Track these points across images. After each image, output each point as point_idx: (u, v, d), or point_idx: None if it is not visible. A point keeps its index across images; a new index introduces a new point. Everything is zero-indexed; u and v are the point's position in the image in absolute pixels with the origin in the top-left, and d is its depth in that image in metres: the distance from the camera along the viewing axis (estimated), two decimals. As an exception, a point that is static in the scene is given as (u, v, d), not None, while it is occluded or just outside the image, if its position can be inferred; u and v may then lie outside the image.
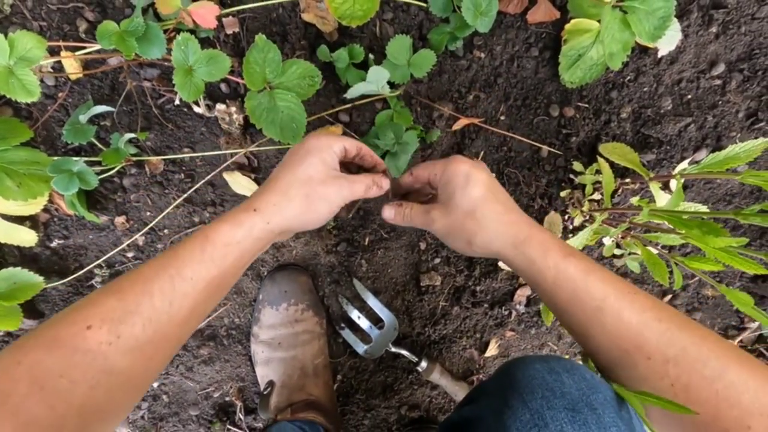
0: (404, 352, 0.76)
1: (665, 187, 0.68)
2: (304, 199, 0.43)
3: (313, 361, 0.72)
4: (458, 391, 0.77)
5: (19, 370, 0.32)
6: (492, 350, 0.79)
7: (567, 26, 0.64)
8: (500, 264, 0.74)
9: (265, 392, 0.67)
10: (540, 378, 0.37)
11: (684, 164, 0.70)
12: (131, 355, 0.35)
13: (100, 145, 0.68)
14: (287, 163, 0.45)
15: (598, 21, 0.64)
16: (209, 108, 0.69)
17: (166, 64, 0.67)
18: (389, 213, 0.50)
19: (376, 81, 0.62)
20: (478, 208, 0.43)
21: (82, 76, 0.68)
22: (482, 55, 0.67)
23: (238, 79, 0.67)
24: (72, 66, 0.66)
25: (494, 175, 0.47)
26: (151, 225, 0.72)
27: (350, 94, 0.63)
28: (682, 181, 0.56)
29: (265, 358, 0.73)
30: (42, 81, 0.67)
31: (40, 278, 0.68)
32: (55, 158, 0.64)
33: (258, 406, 0.66)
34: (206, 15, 0.60)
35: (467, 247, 0.45)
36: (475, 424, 0.42)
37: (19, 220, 0.69)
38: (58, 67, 0.67)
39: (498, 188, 0.45)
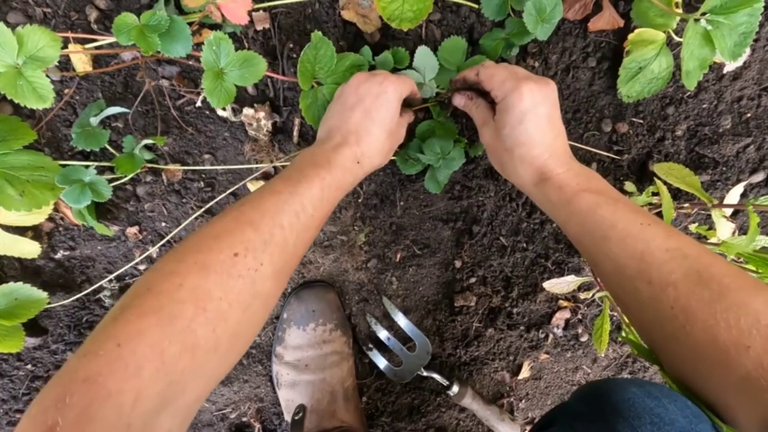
0: (436, 376, 0.72)
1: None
2: (391, 145, 0.52)
3: (342, 384, 0.68)
4: (489, 416, 0.73)
5: (182, 292, 0.32)
6: (524, 373, 0.76)
7: (630, 36, 0.59)
8: (543, 285, 0.70)
9: (296, 417, 0.63)
10: (641, 403, 0.35)
11: (740, 187, 0.67)
12: (270, 281, 0.38)
13: (111, 149, 0.62)
14: (372, 117, 0.49)
15: (664, 32, 0.59)
16: (235, 112, 0.62)
17: (188, 62, 0.60)
18: (459, 101, 0.55)
19: (423, 67, 0.57)
20: (516, 148, 0.46)
21: (92, 71, 0.60)
22: (536, 64, 0.62)
23: (273, 74, 0.61)
24: (81, 61, 0.59)
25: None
26: (168, 237, 0.66)
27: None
28: (754, 212, 0.52)
29: (290, 380, 0.68)
30: (46, 76, 0.60)
31: (44, 294, 0.62)
32: (63, 164, 0.58)
33: (288, 433, 0.62)
34: (237, 10, 0.54)
35: (498, 169, 0.52)
36: None
37: (21, 230, 0.62)
38: (65, 61, 0.60)
39: (546, 125, 0.46)
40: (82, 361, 0.29)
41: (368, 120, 0.48)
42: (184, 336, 0.31)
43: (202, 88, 0.53)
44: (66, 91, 0.61)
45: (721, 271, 0.34)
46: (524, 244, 0.71)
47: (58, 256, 0.66)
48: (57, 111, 0.62)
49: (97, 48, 0.58)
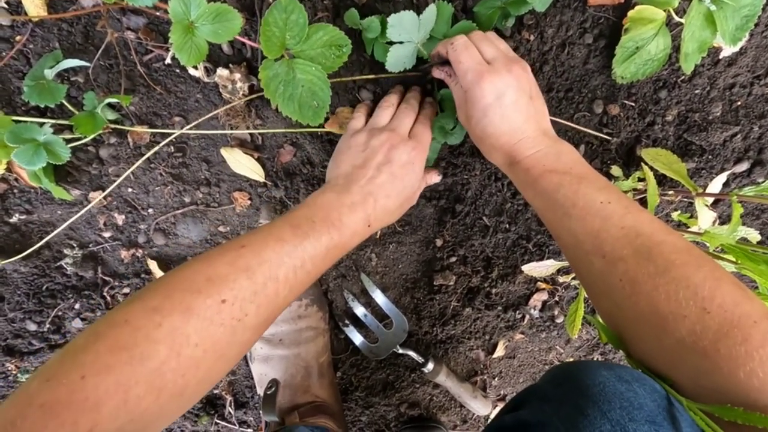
0: (412, 354, 0.72)
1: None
2: (404, 209, 0.53)
3: (317, 359, 0.67)
4: (463, 393, 0.74)
5: (159, 332, 0.32)
6: (499, 352, 0.77)
7: (630, 13, 0.56)
8: (521, 268, 0.69)
9: (269, 392, 0.62)
10: (612, 386, 0.36)
11: (723, 176, 0.67)
12: (250, 331, 0.37)
13: (70, 106, 0.57)
14: (395, 183, 0.49)
15: (665, 10, 0.57)
16: (208, 72, 0.57)
17: (156, 13, 0.55)
18: (438, 74, 0.54)
19: (407, 30, 0.52)
20: (485, 138, 0.48)
21: (48, 17, 0.54)
22: (531, 37, 0.59)
23: (245, 40, 0.56)
24: (34, 4, 0.53)
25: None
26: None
27: (390, 65, 0.54)
28: (737, 203, 0.52)
29: (263, 355, 0.67)
30: (-7, 19, 0.54)
31: (-4, 260, 0.58)
32: (16, 120, 0.53)
33: (261, 407, 0.61)
34: (212, -44, 0.48)
35: (478, 147, 0.52)
36: (539, 430, 0.39)
37: (-30, 190, 0.57)
38: (16, 4, 0.54)
39: (512, 112, 0.46)
40: (44, 386, 0.29)
41: (391, 185, 0.49)
42: (153, 378, 0.31)
43: (171, 44, 0.48)
44: (18, 38, 0.55)
45: (670, 248, 0.37)
46: (507, 225, 0.69)
47: (14, 219, 0.61)
48: (8, 60, 0.56)
49: (51, -10, 0.52)
